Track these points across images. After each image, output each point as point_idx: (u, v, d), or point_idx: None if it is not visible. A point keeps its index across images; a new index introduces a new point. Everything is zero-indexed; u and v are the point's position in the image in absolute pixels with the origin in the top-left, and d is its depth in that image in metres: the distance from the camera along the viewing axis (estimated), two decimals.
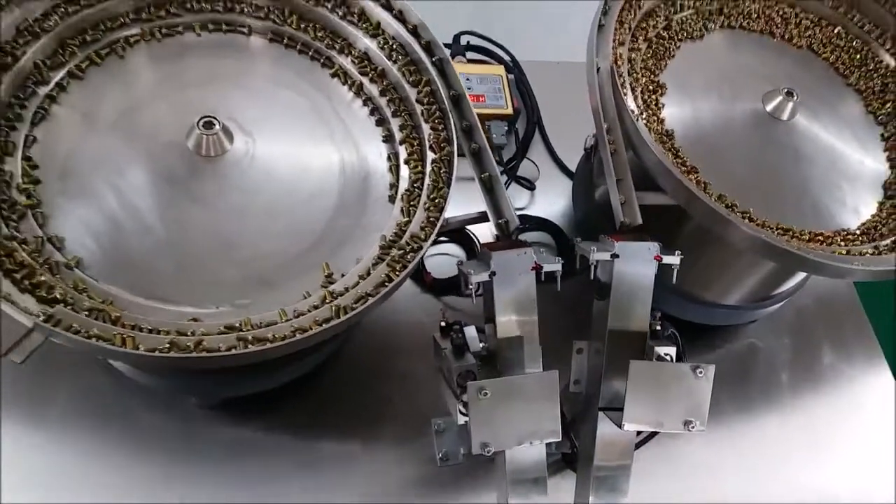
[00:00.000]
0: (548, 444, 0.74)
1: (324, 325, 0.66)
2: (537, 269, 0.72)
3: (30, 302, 0.61)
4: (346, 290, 0.71)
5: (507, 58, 1.26)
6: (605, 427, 0.76)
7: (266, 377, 0.84)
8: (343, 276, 0.72)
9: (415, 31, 0.83)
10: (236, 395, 0.88)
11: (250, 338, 0.64)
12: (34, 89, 0.72)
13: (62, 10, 0.74)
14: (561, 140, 1.22)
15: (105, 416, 0.86)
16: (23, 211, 0.66)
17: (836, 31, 1.02)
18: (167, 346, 0.62)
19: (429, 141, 0.79)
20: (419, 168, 0.78)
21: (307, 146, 0.78)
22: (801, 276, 1.00)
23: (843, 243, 0.85)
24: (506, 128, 1.16)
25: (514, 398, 0.68)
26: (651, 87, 0.90)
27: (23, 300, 0.61)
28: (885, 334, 1.15)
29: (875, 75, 1.00)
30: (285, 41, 0.83)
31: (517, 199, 1.15)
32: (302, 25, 0.83)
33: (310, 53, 0.84)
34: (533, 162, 1.18)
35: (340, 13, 0.83)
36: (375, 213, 0.77)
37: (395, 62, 0.82)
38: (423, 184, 0.77)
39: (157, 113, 0.74)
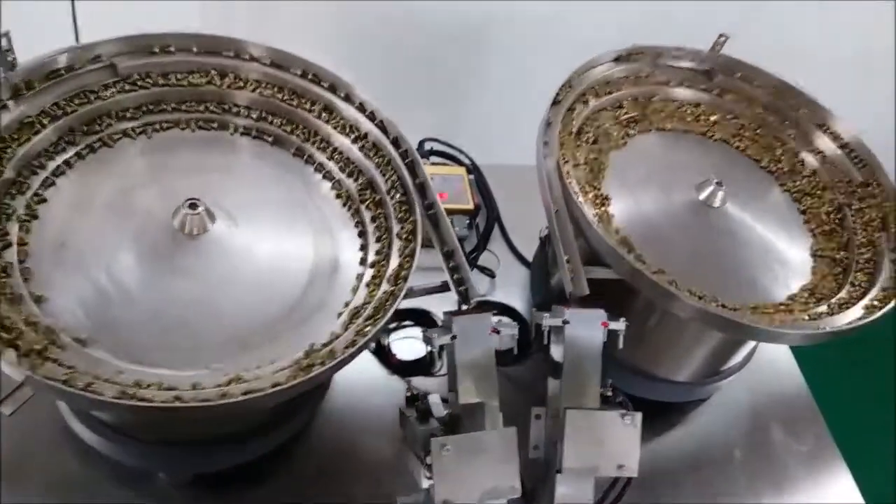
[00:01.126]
0: None
1: (198, 404, 0.67)
2: (495, 332, 0.78)
3: None
4: (255, 378, 0.72)
5: (467, 161, 1.37)
6: (562, 490, 0.79)
7: (232, 453, 0.87)
8: (260, 368, 0.74)
9: (421, 188, 0.89)
10: (204, 472, 0.90)
11: (131, 393, 0.66)
12: (44, 164, 0.80)
13: (68, 104, 0.84)
14: (518, 233, 1.31)
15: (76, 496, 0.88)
16: (9, 241, 0.73)
17: (741, 123, 1.15)
18: (90, 383, 0.65)
19: (391, 273, 0.83)
20: (374, 292, 0.83)
21: (287, 235, 0.86)
22: (745, 350, 1.08)
23: (803, 307, 0.94)
24: (467, 221, 1.26)
25: (476, 455, 0.72)
26: (598, 201, 0.99)
27: None
28: (830, 409, 1.21)
29: (783, 158, 1.13)
30: (315, 165, 0.92)
31: (479, 288, 1.22)
32: (326, 149, 0.93)
33: (322, 173, 0.92)
34: (493, 253, 1.27)
35: (359, 145, 0.92)
36: (327, 315, 0.81)
37: (392, 198, 0.89)
38: (368, 307, 0.80)
39: (149, 195, 0.82)
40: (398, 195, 0.89)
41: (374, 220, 0.89)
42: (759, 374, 1.20)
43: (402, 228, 0.86)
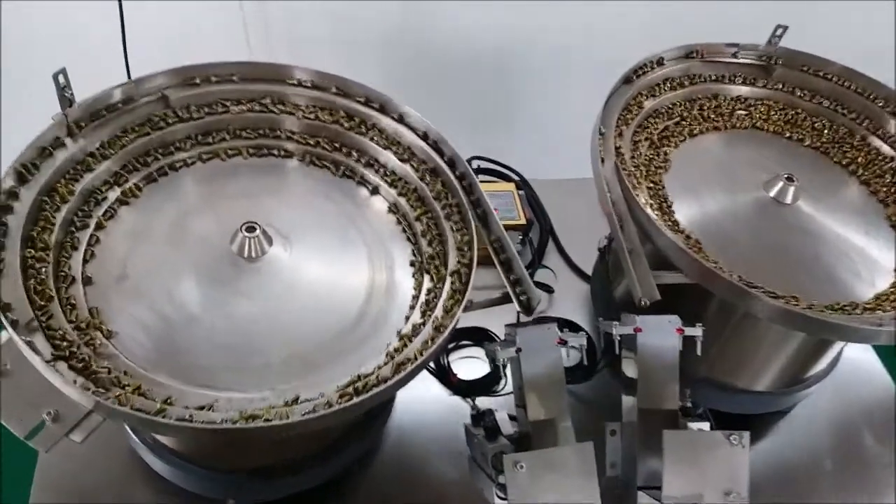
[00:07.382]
0: None
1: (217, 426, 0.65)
2: (562, 343, 0.74)
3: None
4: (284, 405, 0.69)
5: (516, 178, 1.35)
6: None
7: (296, 479, 0.85)
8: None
9: (484, 217, 0.88)
10: (271, 498, 0.88)
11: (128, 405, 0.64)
12: (105, 194, 0.82)
13: (125, 137, 0.85)
14: (574, 247, 1.28)
15: None
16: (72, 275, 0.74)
17: (805, 116, 1.09)
18: (156, 410, 0.64)
19: (433, 320, 0.78)
20: (416, 335, 0.78)
21: (341, 257, 0.84)
22: (829, 356, 1.01)
23: (891, 305, 0.87)
24: (520, 237, 1.23)
25: (551, 472, 0.68)
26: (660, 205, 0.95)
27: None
28: None
29: (855, 149, 1.07)
30: (391, 203, 0.91)
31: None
32: (396, 185, 0.91)
33: (397, 216, 0.90)
34: (549, 268, 1.24)
35: (427, 179, 0.91)
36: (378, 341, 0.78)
37: (457, 232, 0.86)
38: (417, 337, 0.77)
39: (206, 222, 0.82)
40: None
41: (431, 258, 0.85)
42: (843, 380, 1.13)
43: (458, 262, 0.83)
